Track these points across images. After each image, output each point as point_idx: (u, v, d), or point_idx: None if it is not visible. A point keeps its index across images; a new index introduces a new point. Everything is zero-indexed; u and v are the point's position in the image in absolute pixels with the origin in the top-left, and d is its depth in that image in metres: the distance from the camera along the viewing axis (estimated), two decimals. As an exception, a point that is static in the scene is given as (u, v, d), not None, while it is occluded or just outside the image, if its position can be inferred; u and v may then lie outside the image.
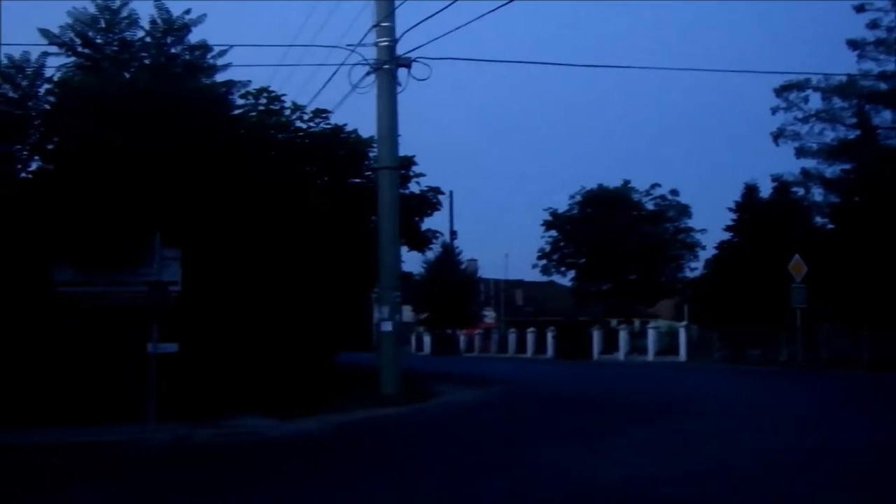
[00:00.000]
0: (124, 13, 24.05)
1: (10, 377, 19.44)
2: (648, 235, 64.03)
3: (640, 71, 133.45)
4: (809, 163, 51.72)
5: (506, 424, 19.79)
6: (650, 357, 52.13)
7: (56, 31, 23.49)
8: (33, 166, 23.79)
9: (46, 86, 23.09)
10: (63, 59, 23.79)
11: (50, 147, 23.28)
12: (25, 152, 23.39)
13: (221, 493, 11.78)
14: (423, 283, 67.38)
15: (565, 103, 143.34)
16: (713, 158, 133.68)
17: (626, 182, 66.81)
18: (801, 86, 50.77)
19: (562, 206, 67.79)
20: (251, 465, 14.62)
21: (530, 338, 63.82)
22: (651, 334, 54.31)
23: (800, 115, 51.48)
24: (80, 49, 23.93)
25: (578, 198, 66.95)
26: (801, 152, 51.80)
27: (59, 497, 11.59)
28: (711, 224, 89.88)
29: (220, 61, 24.32)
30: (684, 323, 53.17)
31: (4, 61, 22.61)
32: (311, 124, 27.88)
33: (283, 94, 27.80)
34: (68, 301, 22.02)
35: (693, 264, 65.27)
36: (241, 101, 26.05)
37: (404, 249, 28.58)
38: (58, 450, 15.98)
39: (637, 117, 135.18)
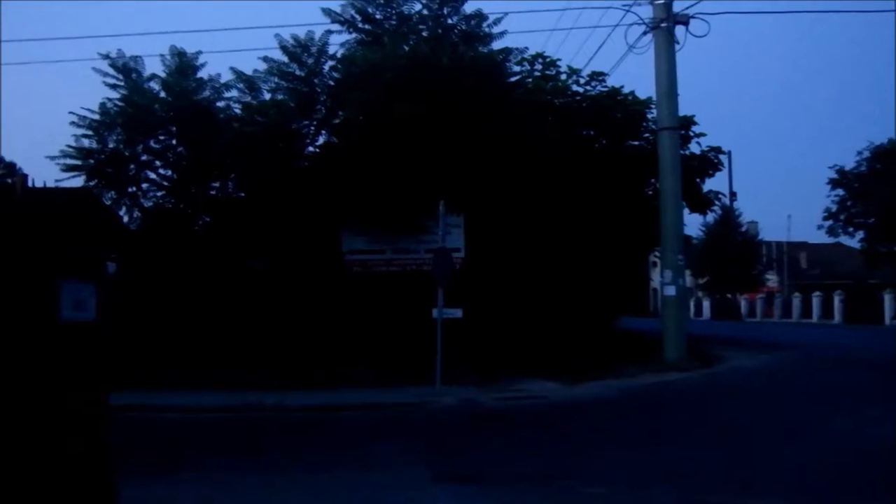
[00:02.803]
0: (402, -13, 24.55)
1: (304, 341, 20.43)
2: (947, 192, 59.49)
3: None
4: None
5: (799, 390, 18.91)
6: (950, 322, 48.73)
7: (337, 9, 24.30)
8: (320, 140, 24.88)
9: (330, 63, 24.06)
10: (345, 36, 24.68)
11: (336, 121, 24.19)
12: (313, 127, 24.43)
13: (536, 456, 11.75)
14: (702, 246, 65.74)
15: (853, 56, 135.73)
16: None
17: (920, 135, 62.35)
18: None
19: (849, 163, 64.08)
20: (545, 428, 14.63)
21: (816, 302, 61.11)
22: (951, 298, 50.65)
23: None
24: (360, 25, 24.65)
25: (867, 154, 62.95)
26: None
27: (370, 453, 11.96)
28: None
29: (495, 29, 24.45)
30: None
31: (290, 41, 23.60)
32: (588, 87, 27.80)
33: (559, 59, 27.88)
34: (357, 268, 22.97)
35: None
36: (517, 68, 26.22)
37: (684, 212, 27.88)
38: (356, 410, 16.58)
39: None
